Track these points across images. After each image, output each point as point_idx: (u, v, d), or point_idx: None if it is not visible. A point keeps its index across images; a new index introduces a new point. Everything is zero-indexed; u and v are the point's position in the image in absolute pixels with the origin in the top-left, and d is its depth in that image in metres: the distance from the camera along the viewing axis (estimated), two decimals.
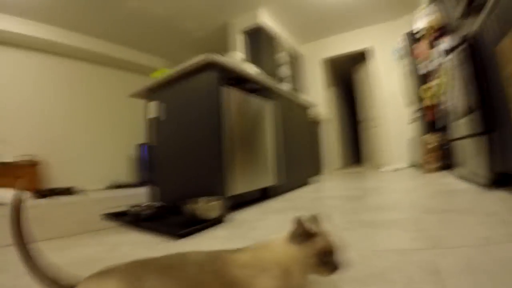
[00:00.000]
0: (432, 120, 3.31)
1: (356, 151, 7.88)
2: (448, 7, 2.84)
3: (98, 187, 4.99)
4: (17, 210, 0.66)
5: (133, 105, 5.10)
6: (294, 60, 5.55)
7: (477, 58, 1.80)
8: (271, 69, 4.50)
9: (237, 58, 2.95)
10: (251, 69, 2.53)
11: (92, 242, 1.46)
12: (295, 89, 5.33)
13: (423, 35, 3.51)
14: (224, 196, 1.91)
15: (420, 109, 3.44)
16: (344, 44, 5.55)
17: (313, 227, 0.70)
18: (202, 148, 2.02)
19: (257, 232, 1.47)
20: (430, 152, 3.18)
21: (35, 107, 4.47)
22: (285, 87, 3.65)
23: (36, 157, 4.19)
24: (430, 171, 3.19)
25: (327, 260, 0.65)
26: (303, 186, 3.44)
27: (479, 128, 1.80)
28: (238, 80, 2.26)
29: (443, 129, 2.96)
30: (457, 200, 1.68)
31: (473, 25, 1.86)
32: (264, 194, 2.59)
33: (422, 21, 3.58)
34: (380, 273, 0.82)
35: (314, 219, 0.75)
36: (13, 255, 1.15)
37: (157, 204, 2.00)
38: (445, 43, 3.35)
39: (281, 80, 4.78)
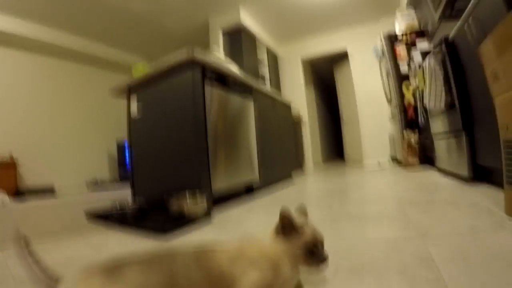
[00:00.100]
0: (412, 117, 3.44)
1: (337, 147, 8.04)
2: (426, 11, 2.98)
3: (77, 184, 4.87)
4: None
5: (113, 102, 5.02)
6: (274, 60, 5.61)
7: (455, 59, 1.91)
8: (251, 68, 4.54)
9: (219, 56, 2.97)
10: (233, 68, 2.55)
11: (78, 243, 1.42)
12: (275, 88, 5.41)
13: (402, 36, 3.65)
14: (208, 192, 1.91)
15: (400, 106, 3.57)
16: (323, 44, 5.65)
17: (299, 219, 0.71)
18: (185, 144, 2.00)
19: (243, 227, 1.50)
20: (410, 147, 3.31)
21: (10, 104, 4.30)
22: (265, 86, 3.70)
23: (12, 156, 4.06)
24: (410, 165, 3.32)
25: (313, 253, 0.65)
26: (286, 180, 3.52)
27: (458, 125, 1.91)
28: (219, 77, 2.25)
29: (423, 125, 3.08)
30: (440, 193, 1.77)
31: (451, 28, 1.97)
32: (248, 190, 2.62)
33: (401, 23, 3.72)
34: (374, 261, 0.86)
35: (302, 210, 0.77)
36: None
37: (141, 201, 1.98)
38: (423, 44, 3.50)
39: (261, 79, 4.83)
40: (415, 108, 3.37)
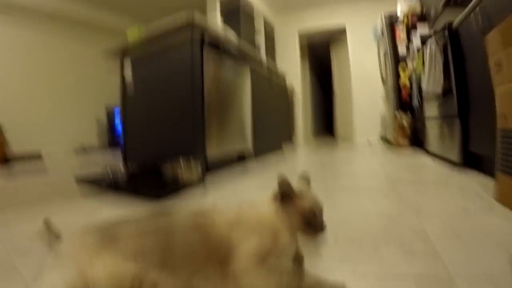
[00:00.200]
0: (406, 98, 3.50)
1: (328, 122, 8.11)
2: None
3: (65, 151, 4.82)
4: None
5: (104, 68, 4.89)
6: (270, 31, 5.51)
7: (457, 47, 1.94)
8: (248, 38, 4.46)
9: (216, 21, 2.88)
10: (231, 35, 2.50)
11: (69, 208, 1.39)
12: (270, 59, 5.35)
13: (403, 17, 3.64)
14: (202, 158, 1.90)
15: (395, 86, 3.61)
16: (322, 19, 5.55)
17: (301, 187, 0.70)
18: (180, 110, 1.97)
19: (237, 193, 1.54)
20: (402, 128, 3.39)
21: None
22: (261, 56, 3.67)
23: None
24: (400, 146, 3.42)
25: (311, 220, 0.64)
26: (277, 152, 3.59)
27: (453, 111, 1.97)
28: (217, 44, 2.18)
29: (417, 107, 3.15)
30: (431, 174, 1.86)
31: (454, 15, 1.99)
32: (240, 158, 2.63)
33: (403, 4, 3.70)
34: (371, 233, 0.92)
35: (304, 178, 0.76)
36: None
37: (133, 166, 1.92)
38: (423, 28, 3.51)
39: (257, 49, 4.77)
40: (410, 90, 3.43)
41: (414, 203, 1.20)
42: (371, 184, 1.62)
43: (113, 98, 4.77)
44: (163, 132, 2.08)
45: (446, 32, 2.01)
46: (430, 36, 2.40)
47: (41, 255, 0.80)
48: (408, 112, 3.44)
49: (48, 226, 0.85)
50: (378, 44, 4.47)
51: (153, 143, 2.14)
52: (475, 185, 1.46)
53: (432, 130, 2.54)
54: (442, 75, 2.09)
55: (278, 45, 5.81)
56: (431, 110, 2.56)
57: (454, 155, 1.98)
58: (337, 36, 5.82)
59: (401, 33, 3.65)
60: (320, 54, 7.76)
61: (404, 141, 3.39)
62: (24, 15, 4.47)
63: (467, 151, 1.87)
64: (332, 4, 5.39)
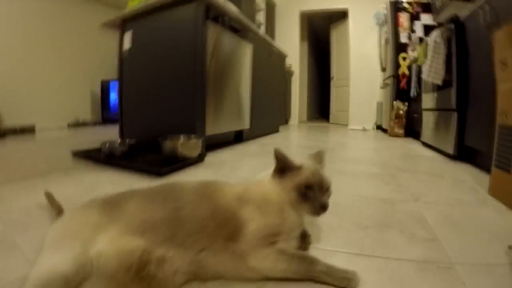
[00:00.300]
0: (404, 88, 3.53)
1: (323, 106, 8.13)
2: None
3: (59, 125, 4.75)
4: None
5: (99, 40, 4.76)
6: (271, 9, 5.41)
7: (461, 40, 1.96)
8: (248, 14, 4.40)
9: None
10: (233, 8, 2.44)
11: (67, 181, 1.35)
12: (270, 37, 5.29)
13: (408, 5, 3.62)
14: (202, 134, 1.88)
15: (394, 75, 3.63)
16: (324, 0, 5.48)
17: (305, 162, 0.70)
18: (181, 85, 1.92)
19: (238, 172, 1.56)
20: (398, 117, 3.44)
21: None
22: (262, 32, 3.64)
23: None
24: (396, 135, 3.48)
25: (309, 195, 0.63)
26: (274, 133, 3.62)
27: (451, 104, 2.01)
28: (220, 18, 2.11)
29: (415, 98, 3.18)
30: (426, 165, 1.92)
31: (459, 8, 1.99)
32: (237, 137, 2.65)
33: None
34: (374, 217, 0.96)
35: (318, 156, 0.77)
36: None
37: (131, 140, 1.86)
38: (427, 18, 3.50)
39: (258, 26, 4.70)
40: (408, 80, 3.45)
41: (413, 191, 1.25)
42: (370, 170, 1.67)
43: (110, 72, 4.69)
44: (162, 108, 2.03)
45: (453, 25, 2.02)
46: (434, 27, 2.40)
47: (42, 230, 0.76)
48: (406, 103, 3.48)
49: (50, 199, 0.87)
50: (380, 30, 4.45)
51: (151, 119, 2.09)
52: (470, 178, 1.51)
53: (429, 121, 2.59)
54: (444, 67, 2.11)
55: (278, 24, 5.73)
56: (429, 102, 2.59)
57: (449, 148, 2.03)
58: (338, 20, 5.76)
59: (404, 20, 3.64)
60: (320, 38, 7.69)
61: (399, 130, 3.45)
62: None
63: (462, 145, 1.92)
64: None
